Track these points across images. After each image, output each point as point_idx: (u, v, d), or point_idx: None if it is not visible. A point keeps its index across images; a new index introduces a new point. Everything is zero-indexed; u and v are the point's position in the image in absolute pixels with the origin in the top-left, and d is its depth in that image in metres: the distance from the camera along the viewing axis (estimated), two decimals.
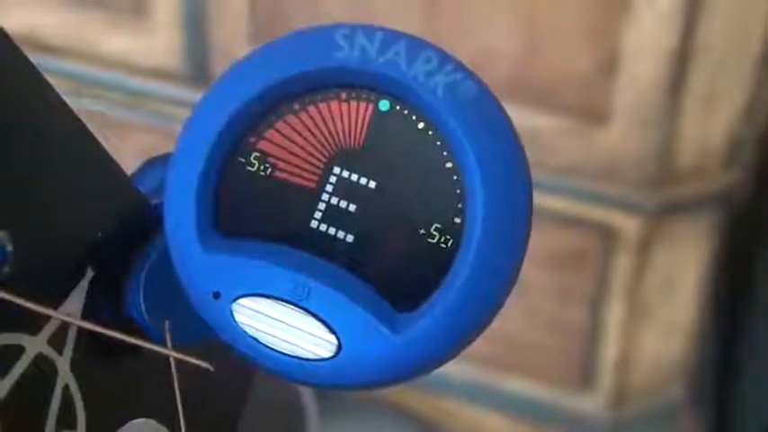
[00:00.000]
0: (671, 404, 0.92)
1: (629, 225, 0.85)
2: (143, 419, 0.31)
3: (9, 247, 0.26)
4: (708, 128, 0.82)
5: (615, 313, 0.88)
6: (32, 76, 0.27)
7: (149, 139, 0.87)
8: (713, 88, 0.80)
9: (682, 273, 0.88)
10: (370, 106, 0.26)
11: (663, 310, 0.89)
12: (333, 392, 0.27)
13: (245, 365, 0.28)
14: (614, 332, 0.88)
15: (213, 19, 0.90)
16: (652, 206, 0.84)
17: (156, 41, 0.92)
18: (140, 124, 0.92)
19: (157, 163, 0.34)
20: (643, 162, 0.82)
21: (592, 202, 0.85)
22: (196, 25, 0.90)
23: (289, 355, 0.26)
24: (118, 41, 0.93)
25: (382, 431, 0.96)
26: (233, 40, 0.89)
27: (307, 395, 0.63)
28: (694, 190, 0.85)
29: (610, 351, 0.89)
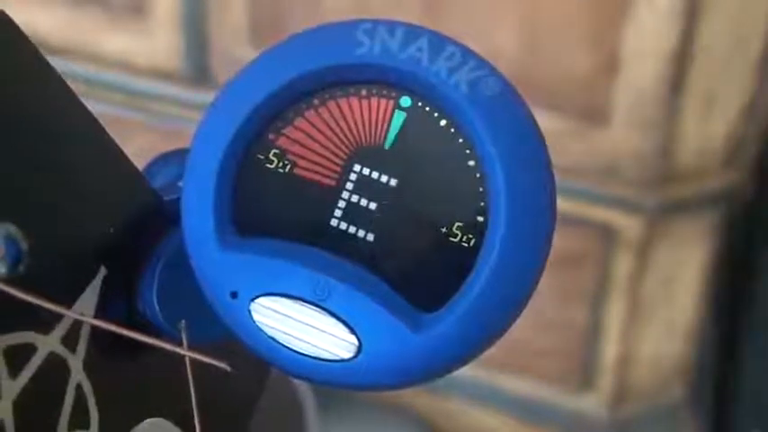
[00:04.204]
0: (671, 404, 0.92)
1: (629, 225, 0.85)
2: (156, 419, 0.31)
3: (24, 245, 0.26)
4: (708, 128, 0.82)
5: (615, 313, 0.88)
6: (45, 73, 0.27)
7: (149, 139, 0.87)
8: (713, 88, 0.80)
9: (682, 273, 0.88)
10: (391, 103, 0.26)
11: (663, 310, 0.89)
12: (350, 392, 0.26)
13: (259, 363, 0.27)
14: (614, 332, 0.88)
15: (213, 19, 0.90)
16: (652, 206, 0.84)
17: (156, 41, 0.91)
18: (140, 124, 0.92)
19: (170, 158, 0.34)
20: (643, 162, 0.82)
21: (592, 202, 0.85)
22: (196, 25, 0.90)
23: (308, 356, 0.25)
24: (118, 41, 0.92)
25: (382, 430, 0.96)
26: (233, 40, 0.89)
27: (305, 393, 0.63)
28: (694, 190, 0.85)
29: (610, 351, 0.89)
